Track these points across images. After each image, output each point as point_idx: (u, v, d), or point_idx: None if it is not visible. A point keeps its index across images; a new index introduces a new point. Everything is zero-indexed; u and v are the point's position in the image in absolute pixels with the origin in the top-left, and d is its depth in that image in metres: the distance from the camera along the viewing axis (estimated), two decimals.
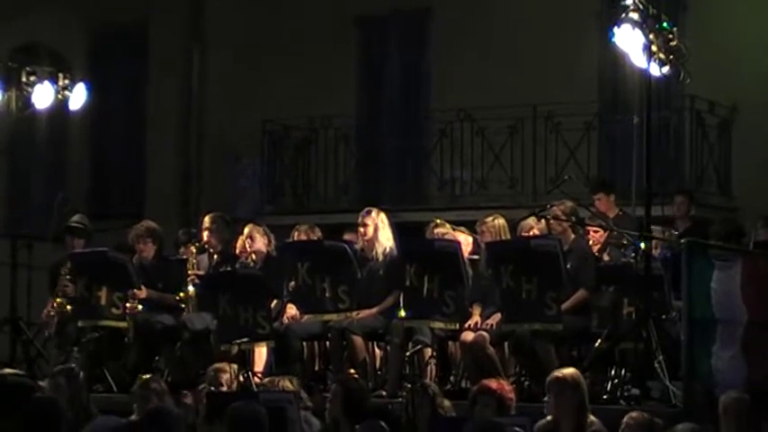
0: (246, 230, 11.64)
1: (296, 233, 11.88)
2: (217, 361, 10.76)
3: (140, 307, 11.58)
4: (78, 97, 13.46)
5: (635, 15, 10.40)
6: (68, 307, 11.96)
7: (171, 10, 17.88)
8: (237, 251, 11.75)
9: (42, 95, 13.20)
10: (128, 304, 11.52)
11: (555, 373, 8.52)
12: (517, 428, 7.15)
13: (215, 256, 11.85)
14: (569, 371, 8.51)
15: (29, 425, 7.07)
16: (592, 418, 8.32)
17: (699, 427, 7.84)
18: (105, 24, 18.06)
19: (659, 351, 9.87)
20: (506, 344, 10.58)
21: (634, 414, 8.29)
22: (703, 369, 9.55)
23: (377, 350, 11.25)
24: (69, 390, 9.10)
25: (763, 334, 9.32)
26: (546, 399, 8.47)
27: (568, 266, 10.30)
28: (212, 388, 9.71)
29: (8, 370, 9.61)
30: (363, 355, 10.86)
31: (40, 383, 9.82)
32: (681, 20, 14.12)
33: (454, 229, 11.37)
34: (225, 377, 9.76)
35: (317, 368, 11.47)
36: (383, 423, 8.14)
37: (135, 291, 11.58)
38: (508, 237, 11.04)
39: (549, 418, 8.31)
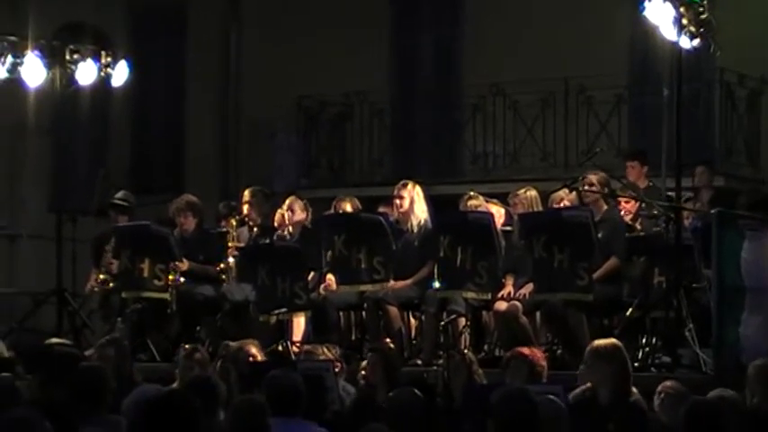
0: (287, 202, 11.83)
1: (339, 203, 12.04)
2: (256, 331, 11.00)
3: (182, 279, 11.80)
4: (120, 74, 13.60)
5: None
6: (111, 284, 12.17)
7: None
8: (276, 223, 11.95)
9: (85, 73, 13.32)
10: (170, 276, 11.74)
11: (592, 343, 8.51)
12: (551, 396, 7.27)
13: (254, 229, 12.02)
14: (605, 342, 8.48)
15: (75, 393, 7.22)
16: (633, 389, 8.27)
17: (734, 392, 7.95)
18: (146, 4, 18.25)
19: (689, 319, 9.98)
20: (538, 313, 10.72)
21: (669, 383, 8.31)
22: (731, 337, 9.68)
23: (412, 320, 11.41)
24: (115, 359, 9.32)
25: None
26: (581, 367, 8.60)
27: (600, 235, 10.42)
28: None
29: (55, 340, 9.85)
30: (399, 325, 11.04)
31: (86, 353, 10.10)
32: None
33: (487, 202, 11.50)
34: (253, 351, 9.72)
35: (353, 338, 11.66)
36: (416, 390, 8.32)
37: (177, 263, 11.79)
38: (540, 208, 11.18)
39: (587, 385, 8.40)
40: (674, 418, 7.85)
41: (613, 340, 8.60)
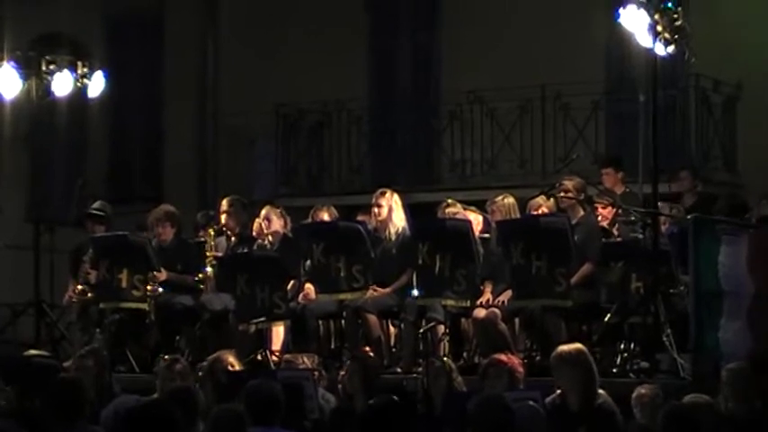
0: (263, 212, 11.83)
1: (316, 212, 12.03)
2: (235, 340, 11.00)
3: (161, 289, 11.78)
4: (97, 85, 13.63)
5: None
6: (89, 294, 12.13)
7: None
8: (254, 233, 11.94)
9: (62, 84, 13.35)
10: (148, 286, 11.70)
11: (557, 349, 8.62)
12: (531, 402, 7.31)
13: (232, 238, 12.01)
14: (569, 347, 8.58)
15: (54, 404, 7.23)
16: (600, 391, 8.40)
17: (708, 397, 8.00)
18: (122, 12, 18.21)
19: (667, 325, 10.04)
20: (517, 320, 10.76)
21: (643, 390, 8.37)
22: (710, 342, 9.71)
23: (391, 328, 11.40)
24: (94, 370, 9.30)
25: None
26: None
27: (576, 238, 10.46)
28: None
29: (34, 351, 9.82)
30: (378, 333, 11.04)
31: (65, 364, 10.08)
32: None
33: (465, 209, 11.53)
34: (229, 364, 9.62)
35: (332, 346, 11.65)
36: (396, 398, 8.32)
37: (155, 273, 11.78)
38: (518, 215, 11.21)
39: (557, 392, 8.45)
40: (649, 421, 7.91)
41: (577, 345, 8.67)
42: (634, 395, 8.37)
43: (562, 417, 8.14)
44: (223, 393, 8.63)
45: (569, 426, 8.02)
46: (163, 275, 11.81)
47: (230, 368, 9.38)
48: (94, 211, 12.73)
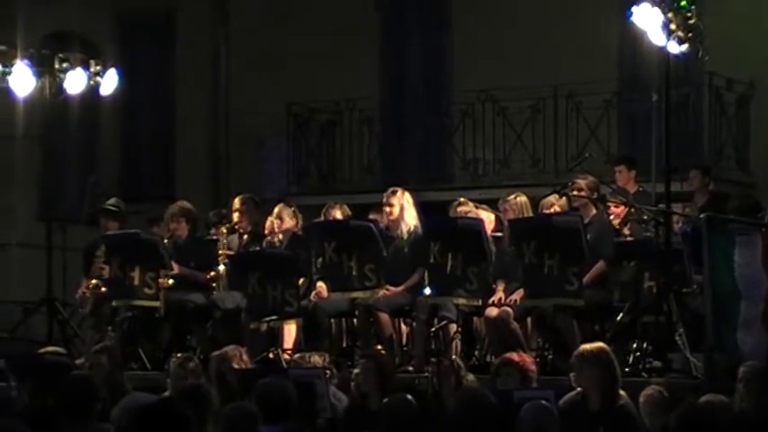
0: (276, 210, 11.83)
1: (329, 210, 12.04)
2: (247, 339, 11.00)
3: (171, 281, 11.77)
4: (109, 83, 13.65)
5: None
6: (103, 289, 12.14)
7: None
8: (266, 231, 11.95)
9: (74, 82, 13.38)
10: (160, 279, 11.68)
11: (580, 347, 8.58)
12: (543, 401, 7.30)
13: (245, 237, 12.03)
14: (591, 346, 8.54)
15: (65, 401, 7.28)
16: (621, 393, 8.35)
17: (725, 398, 7.97)
18: (134, 11, 18.27)
19: (680, 324, 10.02)
20: (529, 319, 10.73)
21: (649, 391, 8.34)
22: (729, 342, 9.62)
23: (403, 326, 11.41)
24: (107, 368, 9.31)
25: None
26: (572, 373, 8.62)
27: (588, 237, 10.45)
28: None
29: (51, 348, 9.82)
30: (390, 332, 11.03)
31: (77, 362, 10.08)
32: None
33: (477, 208, 11.54)
34: (235, 360, 9.65)
35: (344, 344, 11.67)
36: (410, 397, 8.31)
37: (168, 272, 11.79)
38: (530, 214, 11.20)
39: (577, 390, 8.37)
40: (657, 423, 7.89)
41: (600, 344, 8.64)
42: (641, 398, 8.34)
43: (581, 416, 8.11)
44: (234, 392, 8.63)
45: (588, 425, 7.99)
46: (175, 268, 11.80)
47: (236, 366, 9.39)
48: (109, 207, 12.74)
